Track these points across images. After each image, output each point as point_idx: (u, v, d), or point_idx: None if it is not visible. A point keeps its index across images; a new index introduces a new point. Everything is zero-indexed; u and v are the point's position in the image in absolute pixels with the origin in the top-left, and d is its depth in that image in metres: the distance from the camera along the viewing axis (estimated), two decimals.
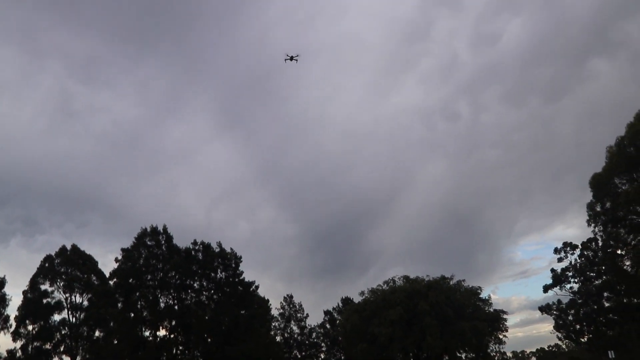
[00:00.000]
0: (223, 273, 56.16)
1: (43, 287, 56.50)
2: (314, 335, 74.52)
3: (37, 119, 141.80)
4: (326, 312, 76.29)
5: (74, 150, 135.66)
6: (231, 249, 57.03)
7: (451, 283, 62.57)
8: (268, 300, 61.96)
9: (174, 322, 53.23)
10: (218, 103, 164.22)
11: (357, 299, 70.10)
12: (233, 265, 56.37)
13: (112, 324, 53.56)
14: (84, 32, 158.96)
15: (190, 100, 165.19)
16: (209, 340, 53.49)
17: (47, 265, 57.35)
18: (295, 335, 73.42)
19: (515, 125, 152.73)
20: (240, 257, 57.06)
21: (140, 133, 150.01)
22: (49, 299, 56.51)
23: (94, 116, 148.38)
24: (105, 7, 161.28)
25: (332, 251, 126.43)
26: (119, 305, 53.48)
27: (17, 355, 54.88)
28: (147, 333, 53.64)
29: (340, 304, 75.19)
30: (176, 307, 54.24)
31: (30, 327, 55.26)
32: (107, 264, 57.36)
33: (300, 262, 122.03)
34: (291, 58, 52.19)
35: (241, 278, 56.89)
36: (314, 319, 77.29)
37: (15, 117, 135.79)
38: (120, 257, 55.08)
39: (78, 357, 55.60)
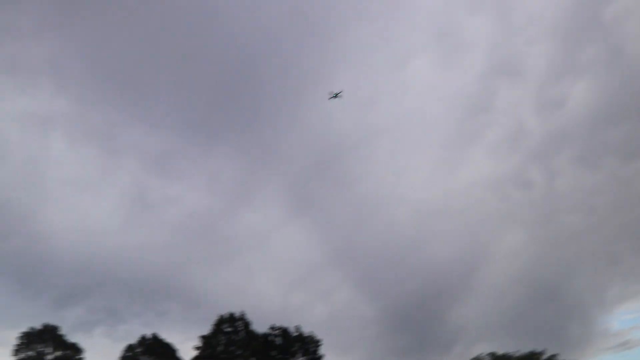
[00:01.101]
0: (303, 357, 55.06)
1: None
2: None
3: (116, 213, 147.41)
4: None
5: (151, 241, 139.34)
6: (310, 332, 56.15)
7: (543, 358, 59.04)
8: None
9: None
10: (288, 188, 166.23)
11: None
12: (313, 349, 55.25)
13: None
14: (156, 129, 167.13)
15: (260, 187, 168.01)
16: None
17: (128, 354, 57.88)
18: None
19: (592, 188, 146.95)
20: (320, 341, 55.95)
21: (213, 222, 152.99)
22: None
23: (169, 207, 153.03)
24: (174, 104, 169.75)
25: (413, 330, 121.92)
26: None
27: None
28: None
29: None
30: None
31: None
32: (187, 352, 57.19)
33: (381, 343, 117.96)
34: (335, 95, 53.04)
35: None
36: None
37: (95, 212, 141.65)
38: (199, 345, 55.12)
39: None
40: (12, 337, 64.04)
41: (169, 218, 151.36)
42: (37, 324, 62.08)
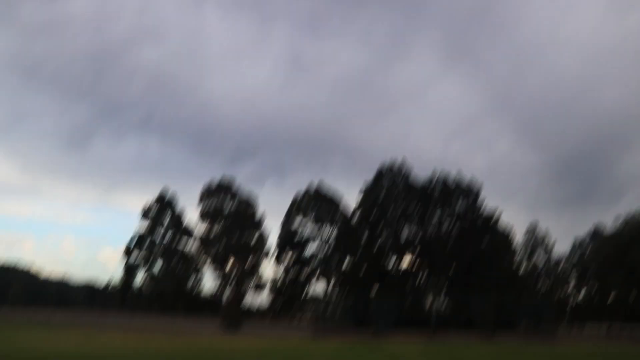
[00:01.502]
0: (463, 203, 55.74)
1: (296, 222, 62.31)
2: (560, 265, 70.32)
3: (274, 76, 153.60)
4: (575, 242, 70.96)
5: (310, 100, 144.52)
6: (471, 179, 56.23)
7: None
8: (511, 230, 59.49)
9: (416, 253, 54.44)
10: (443, 38, 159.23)
11: (609, 227, 65.07)
12: (473, 195, 55.62)
13: (358, 254, 56.47)
14: None
15: (414, 39, 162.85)
16: (452, 270, 53.73)
17: (297, 202, 62.61)
18: (541, 266, 69.98)
19: None
20: (481, 187, 56.02)
21: (370, 77, 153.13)
22: (301, 232, 62.27)
23: (324, 67, 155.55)
24: None
25: (579, 179, 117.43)
26: (364, 237, 56.30)
27: (278, 281, 62.30)
28: (390, 263, 55.90)
29: (591, 233, 69.47)
30: (418, 239, 55.44)
31: (287, 257, 61.82)
32: (350, 201, 60.58)
33: (544, 191, 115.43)
34: None
35: (482, 208, 55.94)
36: (561, 248, 72.84)
37: (255, 77, 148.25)
38: (362, 193, 57.81)
39: (330, 285, 60.30)
40: (194, 192, 72.42)
41: (325, 77, 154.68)
42: (215, 179, 68.94)
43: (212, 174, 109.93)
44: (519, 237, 65.50)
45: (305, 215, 61.85)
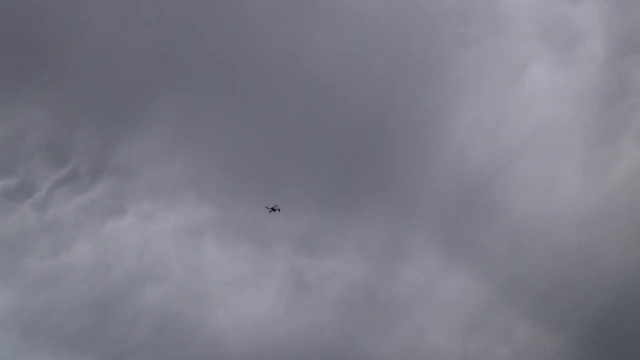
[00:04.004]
0: None
1: None
2: None
3: (278, 301, 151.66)
4: None
5: (316, 319, 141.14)
6: None
7: None
8: None
9: None
10: (438, 235, 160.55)
11: None
12: None
13: None
14: (298, 211, 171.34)
15: (411, 240, 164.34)
16: None
17: None
18: None
19: None
20: None
21: (373, 287, 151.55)
22: None
23: (327, 284, 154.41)
24: (309, 183, 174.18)
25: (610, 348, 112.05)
26: None
27: None
28: None
29: None
30: None
31: None
32: None
33: None
34: (272, 209, 52.63)
35: None
36: None
37: (259, 304, 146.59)
38: None
39: None
40: None
41: (329, 294, 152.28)
42: None
43: None
44: None
45: None
